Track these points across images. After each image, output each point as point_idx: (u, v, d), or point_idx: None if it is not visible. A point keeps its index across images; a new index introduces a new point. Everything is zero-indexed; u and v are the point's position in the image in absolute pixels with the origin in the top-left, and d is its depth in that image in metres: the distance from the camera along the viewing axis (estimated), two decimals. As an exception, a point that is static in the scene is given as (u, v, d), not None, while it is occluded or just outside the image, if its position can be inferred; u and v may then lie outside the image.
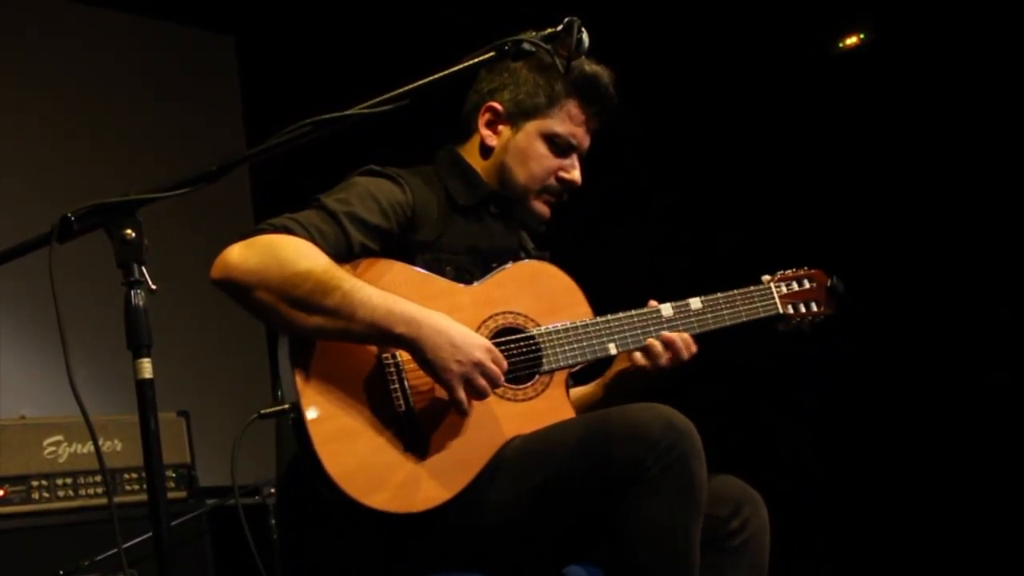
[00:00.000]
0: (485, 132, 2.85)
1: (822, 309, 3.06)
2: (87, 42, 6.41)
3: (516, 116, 2.82)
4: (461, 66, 2.41)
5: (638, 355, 2.76)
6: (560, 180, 2.83)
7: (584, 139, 2.86)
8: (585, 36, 2.32)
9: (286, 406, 2.44)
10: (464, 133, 2.91)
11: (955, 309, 5.09)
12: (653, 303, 2.84)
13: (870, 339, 5.22)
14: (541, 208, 2.85)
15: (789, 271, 3.07)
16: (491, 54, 2.37)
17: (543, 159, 2.81)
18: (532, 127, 2.81)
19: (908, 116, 5.22)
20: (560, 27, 2.33)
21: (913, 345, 5.24)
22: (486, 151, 2.85)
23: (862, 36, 5.45)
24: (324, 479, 2.36)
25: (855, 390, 5.39)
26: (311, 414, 2.39)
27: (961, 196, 5.07)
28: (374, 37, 6.25)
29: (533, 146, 2.81)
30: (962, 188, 5.07)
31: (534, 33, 2.35)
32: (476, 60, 2.40)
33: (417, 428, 2.46)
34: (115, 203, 2.06)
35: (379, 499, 2.37)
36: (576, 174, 2.84)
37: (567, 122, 2.81)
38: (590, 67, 2.79)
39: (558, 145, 2.81)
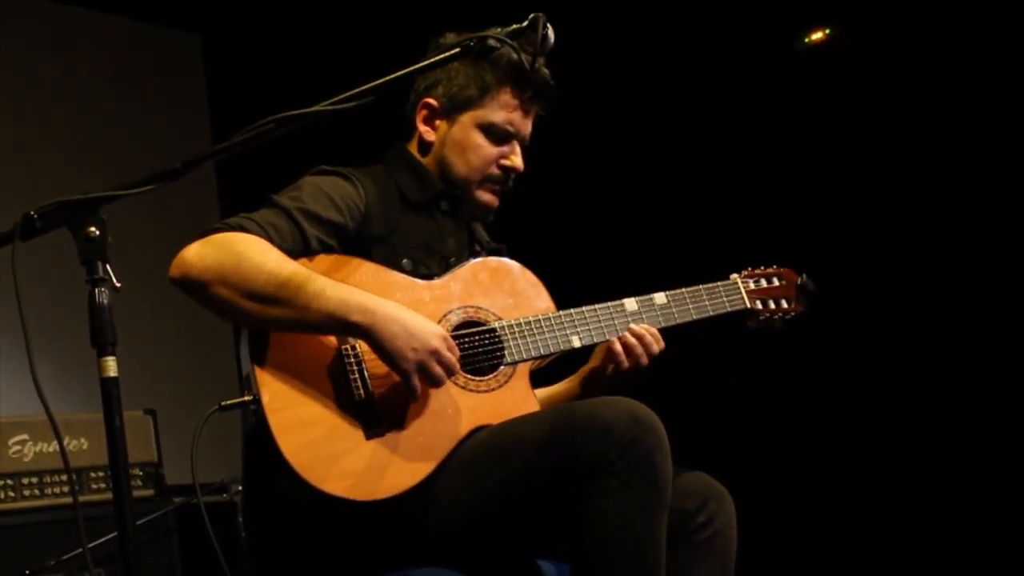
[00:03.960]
0: (423, 128, 2.87)
1: (792, 306, 3.08)
2: (52, 39, 6.36)
3: (451, 110, 2.84)
4: (425, 63, 2.43)
5: (616, 346, 2.77)
6: (502, 168, 2.85)
7: (523, 125, 2.86)
8: (551, 32, 2.34)
9: (247, 398, 2.44)
10: (408, 131, 2.92)
11: (929, 304, 5.12)
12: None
13: (840, 334, 5.26)
14: (487, 197, 2.87)
15: (759, 269, 3.09)
16: (456, 51, 2.38)
17: (481, 149, 2.82)
18: (467, 119, 2.83)
19: (875, 110, 5.25)
20: (525, 23, 2.34)
21: (883, 340, 5.27)
22: (425, 147, 2.87)
23: (827, 31, 5.47)
24: (284, 468, 2.36)
25: (825, 385, 5.42)
26: (270, 404, 2.40)
27: (929, 188, 5.10)
28: (340, 35, 6.24)
29: (470, 137, 2.82)
30: (930, 180, 5.10)
31: (499, 30, 2.36)
32: (441, 57, 2.41)
33: (377, 417, 2.47)
34: (79, 200, 2.05)
35: (338, 486, 2.38)
36: (517, 160, 2.85)
37: (502, 110, 2.82)
38: (518, 53, 2.78)
39: (496, 134, 2.82)
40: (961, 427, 5.03)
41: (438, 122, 2.86)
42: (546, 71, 2.82)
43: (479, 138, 2.82)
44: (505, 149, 2.84)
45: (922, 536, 5.11)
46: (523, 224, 2.96)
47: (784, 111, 5.46)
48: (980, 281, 5.00)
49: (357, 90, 2.25)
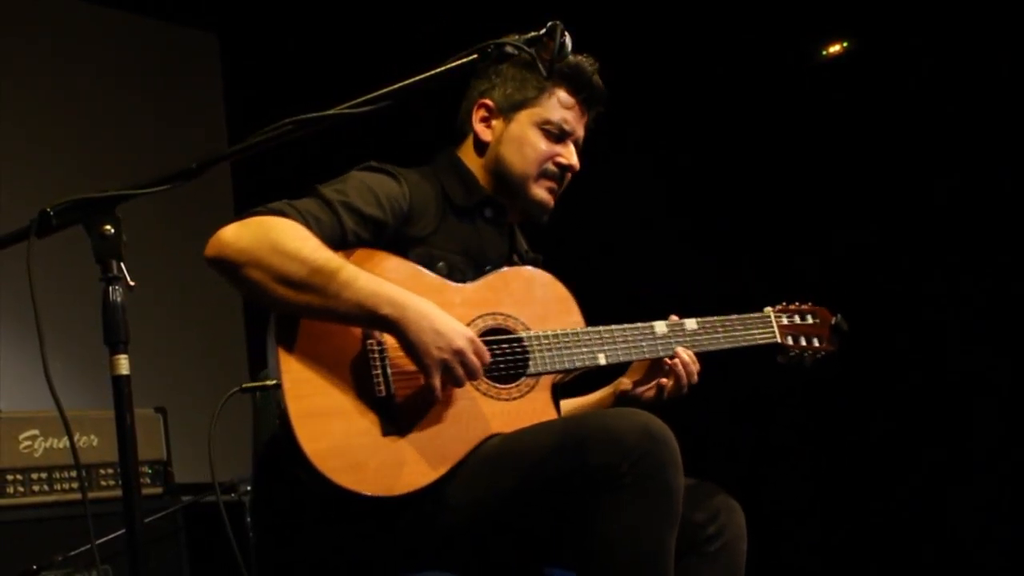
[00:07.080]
0: (479, 128, 2.90)
1: (824, 345, 3.08)
2: (69, 37, 6.39)
3: (508, 109, 2.88)
4: (444, 68, 2.41)
5: (669, 366, 2.83)
6: (558, 165, 2.88)
7: (577, 126, 2.91)
8: (568, 40, 2.33)
9: (268, 382, 2.46)
10: (460, 137, 2.96)
11: (951, 322, 5.10)
12: (674, 318, 2.89)
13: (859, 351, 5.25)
14: (542, 195, 2.89)
15: (793, 304, 3.09)
16: (474, 56, 2.38)
17: (537, 144, 2.86)
18: (524, 116, 2.87)
19: (893, 123, 5.23)
20: (543, 31, 2.34)
21: (897, 358, 5.25)
22: (482, 147, 2.91)
23: (845, 44, 5.47)
24: (299, 456, 2.36)
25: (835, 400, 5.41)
26: (291, 390, 2.40)
27: (945, 201, 5.09)
28: (358, 36, 6.25)
29: (527, 133, 2.86)
30: (946, 193, 5.09)
31: (517, 36, 2.36)
32: (459, 62, 2.40)
33: (396, 414, 2.47)
34: (95, 199, 2.05)
35: (351, 479, 2.37)
36: (573, 159, 2.89)
37: (558, 108, 2.87)
38: (573, 57, 2.80)
39: (551, 132, 2.87)
40: (961, 431, 5.02)
41: (495, 122, 2.90)
42: (596, 76, 2.90)
43: (536, 135, 2.86)
44: (560, 148, 2.88)
45: (928, 542, 5.09)
46: (561, 238, 2.96)
47: (804, 124, 5.45)
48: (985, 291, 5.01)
49: (376, 94, 2.24)
